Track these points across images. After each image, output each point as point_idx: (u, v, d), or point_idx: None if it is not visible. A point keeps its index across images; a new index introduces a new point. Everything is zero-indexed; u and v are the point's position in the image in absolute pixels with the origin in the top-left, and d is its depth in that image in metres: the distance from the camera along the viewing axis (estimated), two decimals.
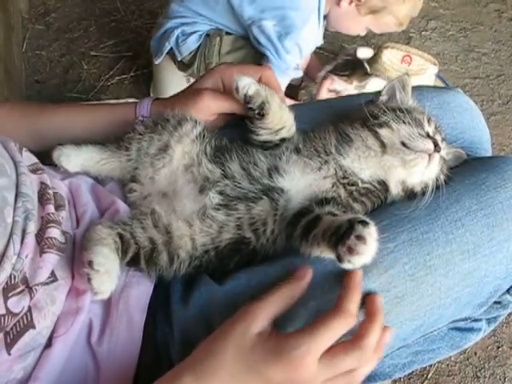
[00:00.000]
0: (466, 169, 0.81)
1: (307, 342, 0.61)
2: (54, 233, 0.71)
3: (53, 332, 0.69)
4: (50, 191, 0.75)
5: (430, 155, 0.76)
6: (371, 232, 0.62)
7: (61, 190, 0.79)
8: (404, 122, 0.78)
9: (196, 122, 0.84)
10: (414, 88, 0.89)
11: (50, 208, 0.73)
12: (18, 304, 0.64)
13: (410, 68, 2.03)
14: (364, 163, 0.78)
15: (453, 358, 1.46)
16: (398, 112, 0.80)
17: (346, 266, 0.63)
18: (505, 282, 0.76)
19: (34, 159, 0.80)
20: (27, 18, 2.45)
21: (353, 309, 0.64)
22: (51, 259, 0.69)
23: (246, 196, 0.76)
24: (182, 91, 0.96)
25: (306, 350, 0.61)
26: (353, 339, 0.64)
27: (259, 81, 0.89)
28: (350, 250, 0.62)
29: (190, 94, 0.91)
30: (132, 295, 0.73)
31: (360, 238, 0.61)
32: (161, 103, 0.92)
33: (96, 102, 1.00)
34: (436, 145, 0.77)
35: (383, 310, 0.67)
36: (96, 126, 0.92)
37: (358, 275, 0.66)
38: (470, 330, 0.83)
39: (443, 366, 1.45)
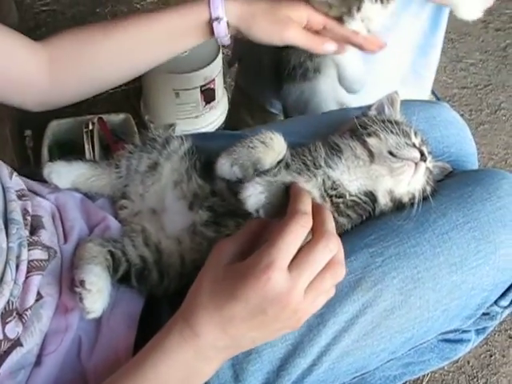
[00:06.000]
0: (452, 182, 0.82)
1: (267, 254, 0.58)
2: (34, 254, 0.71)
3: (41, 350, 0.69)
4: (29, 217, 0.75)
5: (416, 164, 0.76)
6: None
7: (40, 211, 0.78)
8: (392, 132, 0.79)
9: (183, 139, 0.84)
10: (401, 102, 0.90)
11: (25, 233, 0.73)
12: (14, 330, 0.65)
13: None
14: (353, 174, 0.79)
15: (446, 368, 1.46)
16: (386, 123, 0.81)
17: None
18: (492, 293, 0.77)
19: (22, 185, 0.80)
20: (17, 31, 2.45)
21: (304, 209, 0.62)
22: (35, 281, 0.69)
23: (235, 212, 0.75)
24: None
25: (267, 262, 0.57)
26: (313, 234, 0.61)
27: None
28: None
29: None
30: (122, 312, 0.73)
31: None
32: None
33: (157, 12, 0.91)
34: (422, 154, 0.77)
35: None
36: (172, 39, 0.89)
37: (299, 185, 0.67)
38: (460, 341, 0.84)
39: (436, 375, 1.45)
